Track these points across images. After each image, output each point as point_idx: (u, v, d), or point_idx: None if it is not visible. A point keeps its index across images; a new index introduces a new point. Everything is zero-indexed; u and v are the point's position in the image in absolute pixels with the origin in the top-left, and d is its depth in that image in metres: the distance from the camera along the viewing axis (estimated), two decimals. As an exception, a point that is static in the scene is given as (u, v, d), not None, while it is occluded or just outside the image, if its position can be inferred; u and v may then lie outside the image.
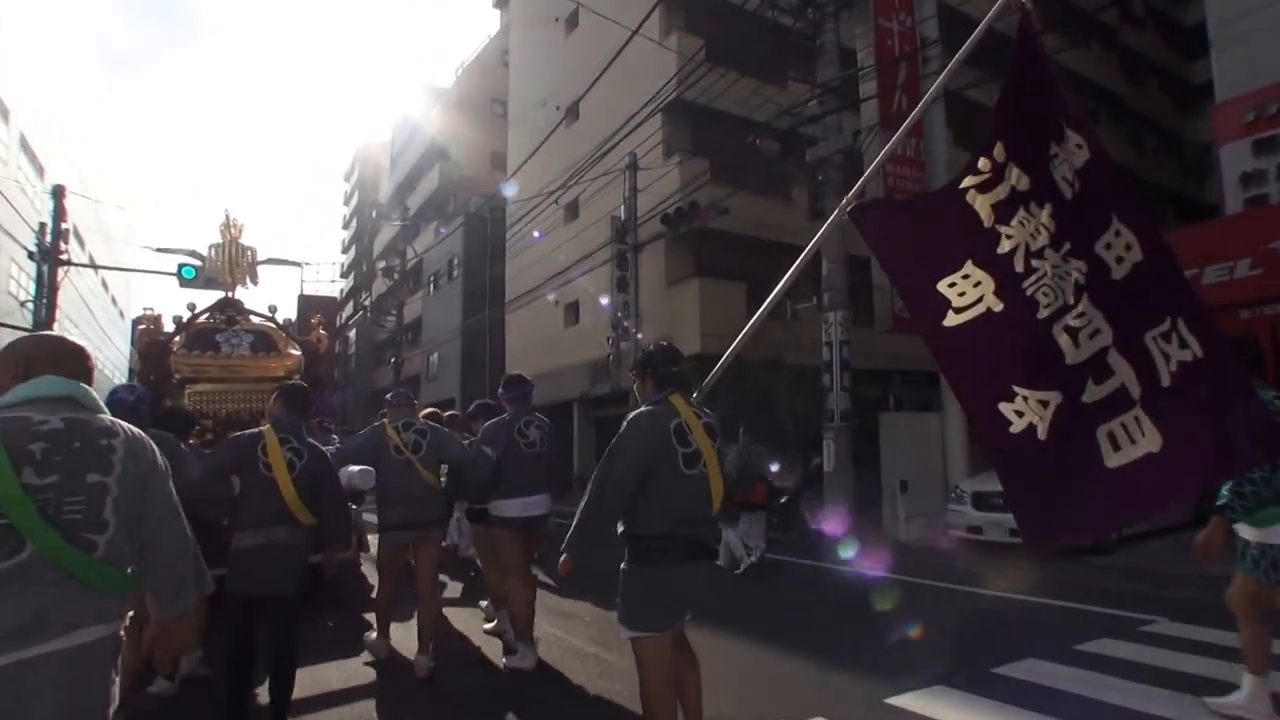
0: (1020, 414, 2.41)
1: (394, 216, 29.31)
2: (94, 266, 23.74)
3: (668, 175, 14.64)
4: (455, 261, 26.70)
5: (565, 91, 20.02)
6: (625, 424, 2.76)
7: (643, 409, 2.81)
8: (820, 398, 9.89)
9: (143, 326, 6.97)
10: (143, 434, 1.95)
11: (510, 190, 20.44)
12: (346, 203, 62.60)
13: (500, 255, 24.41)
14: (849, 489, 9.78)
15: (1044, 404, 2.38)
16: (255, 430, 3.73)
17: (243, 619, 3.55)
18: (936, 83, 3.24)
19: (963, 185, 2.56)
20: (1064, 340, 2.37)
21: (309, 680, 4.26)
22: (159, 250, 14.07)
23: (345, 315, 48.53)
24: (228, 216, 7.80)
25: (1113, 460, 2.28)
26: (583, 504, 2.71)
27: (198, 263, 14.31)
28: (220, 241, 7.74)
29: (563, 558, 2.76)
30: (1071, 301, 2.38)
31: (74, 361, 1.91)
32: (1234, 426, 2.19)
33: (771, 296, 2.95)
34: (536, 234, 21.89)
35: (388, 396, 5.06)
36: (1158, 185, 25.91)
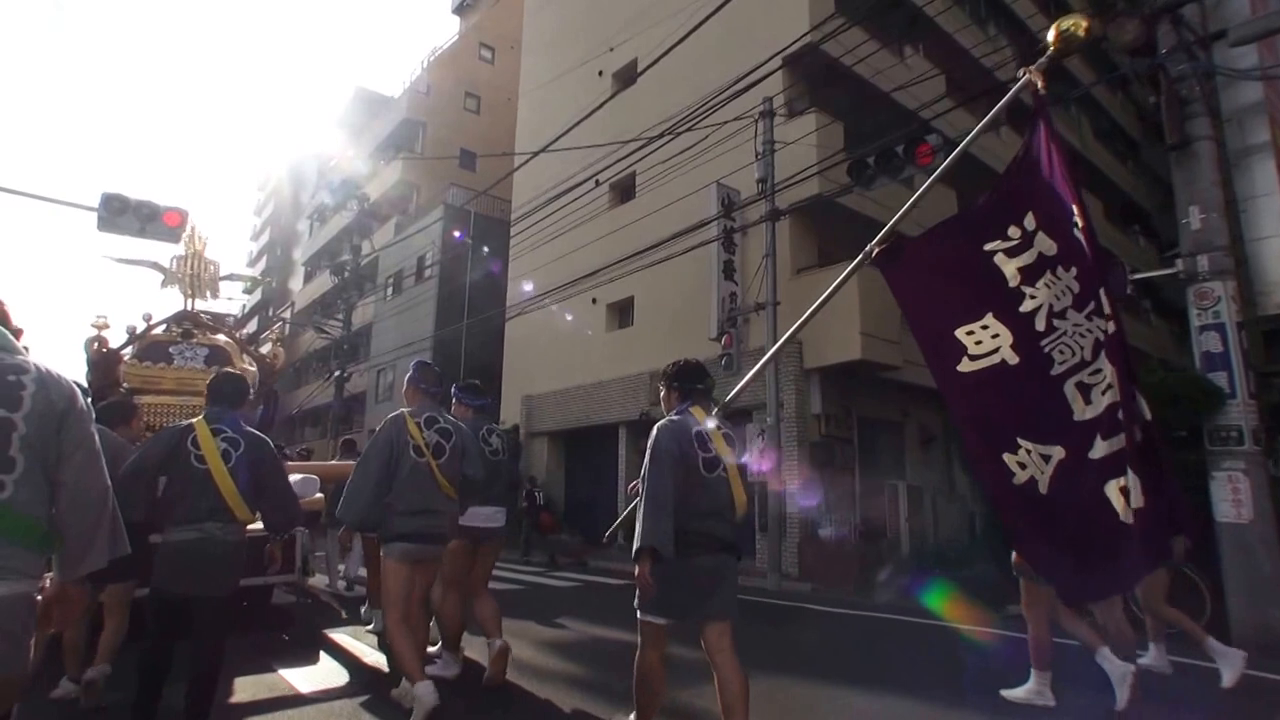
0: (1023, 466, 2.51)
1: (350, 208, 24.53)
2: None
3: (801, 136, 11.45)
4: (429, 259, 22.29)
5: (609, 57, 16.81)
6: (655, 431, 2.94)
7: (668, 418, 3.05)
8: (1177, 407, 6.54)
9: (93, 334, 6.62)
10: (62, 375, 1.84)
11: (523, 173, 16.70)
12: (258, 213, 56.68)
13: (496, 252, 20.35)
14: (1273, 554, 5.87)
15: (1046, 458, 2.47)
16: (184, 423, 3.42)
17: (164, 621, 3.22)
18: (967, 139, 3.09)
19: (989, 248, 2.67)
20: (1074, 395, 2.47)
21: (262, 687, 4.16)
22: (120, 261, 11.16)
23: (247, 332, 42.05)
24: (193, 229, 7.48)
25: (1126, 514, 2.29)
26: (642, 512, 2.80)
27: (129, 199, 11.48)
28: (184, 253, 7.41)
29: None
30: (1089, 358, 2.47)
31: None
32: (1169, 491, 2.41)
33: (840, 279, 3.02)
34: (487, 253, 18.20)
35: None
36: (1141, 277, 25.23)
